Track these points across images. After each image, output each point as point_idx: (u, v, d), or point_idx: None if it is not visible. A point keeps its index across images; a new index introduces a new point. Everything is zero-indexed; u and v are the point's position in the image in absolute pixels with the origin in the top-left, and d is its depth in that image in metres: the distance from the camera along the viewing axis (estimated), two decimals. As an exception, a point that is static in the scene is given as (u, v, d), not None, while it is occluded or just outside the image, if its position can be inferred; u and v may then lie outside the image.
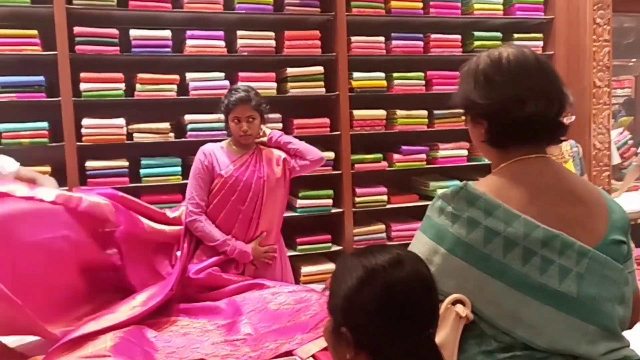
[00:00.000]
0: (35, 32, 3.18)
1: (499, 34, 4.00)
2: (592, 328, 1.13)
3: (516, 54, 1.22)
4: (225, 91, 2.82)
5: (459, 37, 3.96)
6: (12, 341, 2.05)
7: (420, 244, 1.21)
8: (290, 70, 3.61)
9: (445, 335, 1.13)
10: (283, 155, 2.70)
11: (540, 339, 1.13)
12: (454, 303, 1.15)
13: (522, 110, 1.18)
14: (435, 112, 3.90)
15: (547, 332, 1.12)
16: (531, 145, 1.23)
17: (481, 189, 1.18)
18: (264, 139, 2.74)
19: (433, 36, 3.89)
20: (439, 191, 3.72)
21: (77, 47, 3.21)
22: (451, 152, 3.95)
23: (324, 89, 3.70)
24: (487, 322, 1.15)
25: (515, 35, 4.08)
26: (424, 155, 3.90)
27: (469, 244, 1.14)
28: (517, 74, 1.20)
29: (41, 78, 3.20)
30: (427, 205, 1.27)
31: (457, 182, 3.94)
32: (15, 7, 3.15)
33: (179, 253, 2.48)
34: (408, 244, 1.24)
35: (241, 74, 3.52)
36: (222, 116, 2.67)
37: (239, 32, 3.52)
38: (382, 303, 0.99)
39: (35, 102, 3.18)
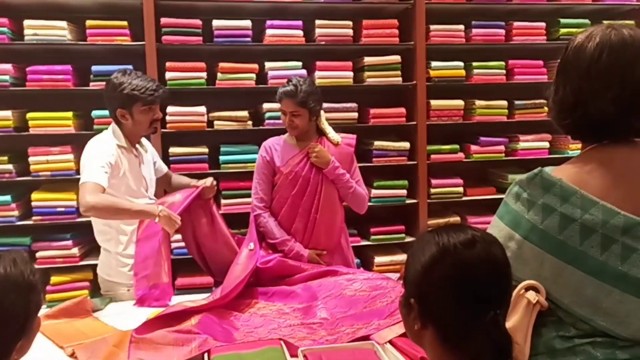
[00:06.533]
0: (125, 23, 3.34)
1: (587, 21, 3.82)
2: None
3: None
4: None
5: (543, 24, 3.82)
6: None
7: (496, 229, 1.21)
8: (368, 60, 3.60)
9: (516, 321, 1.13)
10: (347, 150, 2.64)
11: (622, 329, 1.09)
12: (527, 289, 1.14)
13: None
14: (516, 102, 3.78)
15: (629, 322, 1.09)
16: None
17: (558, 175, 1.15)
18: (336, 137, 2.63)
19: (516, 24, 3.77)
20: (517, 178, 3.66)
21: (163, 37, 3.35)
22: (532, 144, 3.83)
23: (400, 79, 3.66)
24: (565, 310, 1.13)
25: (605, 22, 3.85)
26: (502, 147, 3.81)
27: (544, 230, 1.13)
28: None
29: (130, 67, 3.33)
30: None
31: (537, 175, 3.82)
32: (106, -1, 3.31)
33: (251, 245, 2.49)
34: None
35: (318, 63, 3.55)
36: None
37: (317, 22, 3.55)
38: (450, 281, 1.01)
39: (124, 90, 3.33)
